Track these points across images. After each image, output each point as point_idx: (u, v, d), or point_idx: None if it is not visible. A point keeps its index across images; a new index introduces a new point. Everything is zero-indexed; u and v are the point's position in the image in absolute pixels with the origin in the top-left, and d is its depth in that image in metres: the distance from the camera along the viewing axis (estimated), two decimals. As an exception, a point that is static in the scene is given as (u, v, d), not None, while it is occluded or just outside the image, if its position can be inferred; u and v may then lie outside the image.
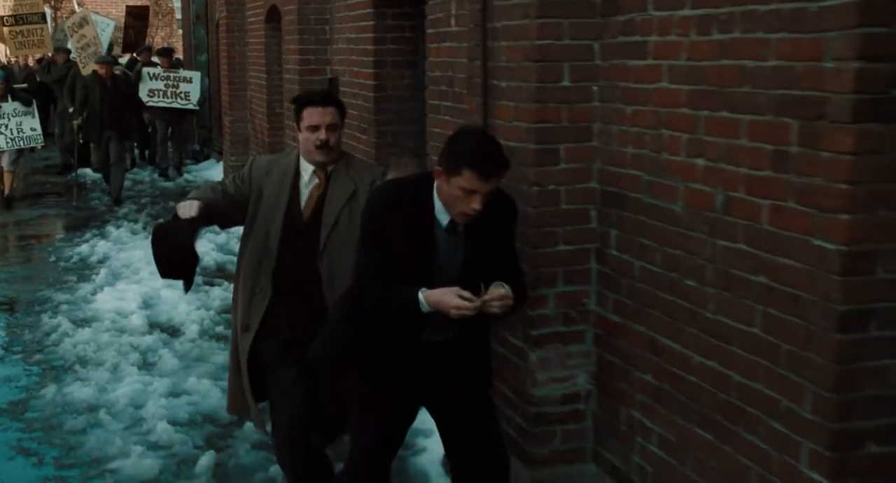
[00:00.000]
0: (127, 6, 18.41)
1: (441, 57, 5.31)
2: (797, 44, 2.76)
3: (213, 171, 14.75)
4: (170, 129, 14.83)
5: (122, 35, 17.49)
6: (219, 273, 8.91)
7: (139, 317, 7.34)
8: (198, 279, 8.56)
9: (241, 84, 12.49)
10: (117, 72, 13.37)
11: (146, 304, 7.72)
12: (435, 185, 3.26)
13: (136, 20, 17.66)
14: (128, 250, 9.64)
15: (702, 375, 3.31)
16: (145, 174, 15.17)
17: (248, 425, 5.30)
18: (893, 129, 2.59)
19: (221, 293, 8.05)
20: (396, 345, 3.38)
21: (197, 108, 14.76)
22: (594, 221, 3.97)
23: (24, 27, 14.66)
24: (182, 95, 14.20)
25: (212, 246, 9.86)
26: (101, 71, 12.67)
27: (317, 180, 3.87)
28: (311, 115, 3.79)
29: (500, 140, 4.12)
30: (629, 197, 3.71)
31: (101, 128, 12.58)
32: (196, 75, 14.51)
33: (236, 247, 10.05)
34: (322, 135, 3.76)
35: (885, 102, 2.57)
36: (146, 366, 6.39)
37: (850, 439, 2.70)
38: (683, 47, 3.31)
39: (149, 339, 6.84)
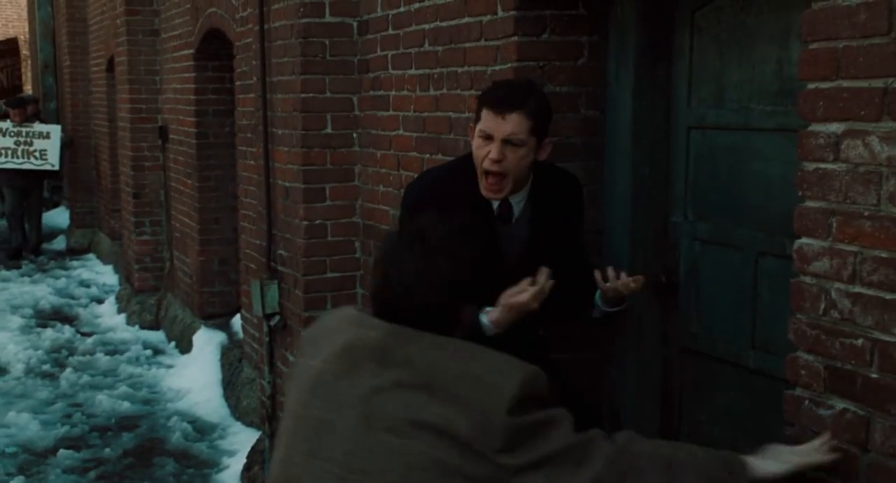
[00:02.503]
0: None
1: (246, 107, 5.81)
2: (481, 99, 3.39)
3: (62, 219, 14.79)
4: (20, 199, 11.99)
5: None
6: (54, 315, 9.10)
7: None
8: (30, 322, 8.79)
9: (86, 132, 12.69)
10: None
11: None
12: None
13: (4, 58, 14.64)
14: (-37, 296, 9.73)
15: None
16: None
17: (62, 453, 5.63)
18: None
19: (53, 334, 8.27)
20: None
21: (57, 169, 12.02)
22: (358, 251, 4.52)
23: None
24: (37, 154, 11.61)
25: (49, 290, 10.04)
26: None
27: None
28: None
29: (277, 180, 4.67)
30: (381, 229, 4.29)
31: None
32: (55, 130, 11.91)
33: (76, 291, 10.40)
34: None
35: (540, 146, 3.21)
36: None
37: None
38: (411, 101, 3.92)
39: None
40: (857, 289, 1.98)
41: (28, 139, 11.60)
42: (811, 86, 2.06)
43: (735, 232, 2.89)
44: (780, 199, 2.66)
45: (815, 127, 2.06)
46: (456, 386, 1.82)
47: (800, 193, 2.10)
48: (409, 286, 1.92)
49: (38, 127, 11.78)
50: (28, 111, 11.94)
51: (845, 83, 1.97)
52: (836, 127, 2.00)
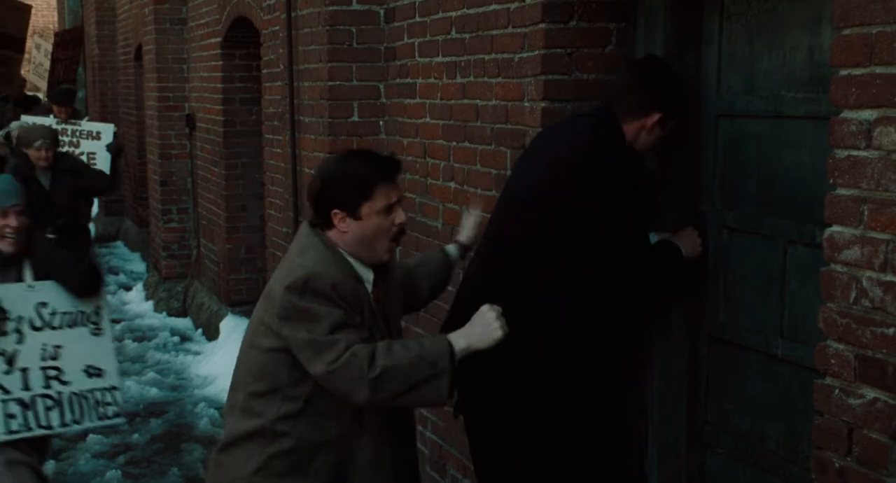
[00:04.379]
0: (56, 33, 12.80)
1: (273, 95, 5.84)
2: (508, 87, 3.39)
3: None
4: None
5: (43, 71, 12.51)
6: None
7: None
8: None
9: (114, 120, 12.74)
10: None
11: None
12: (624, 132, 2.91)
13: (68, 50, 12.16)
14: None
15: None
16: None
17: (91, 438, 5.69)
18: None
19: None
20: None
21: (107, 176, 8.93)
22: (384, 239, 4.53)
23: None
24: (83, 158, 8.70)
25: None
26: (40, 155, 6.47)
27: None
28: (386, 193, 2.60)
29: (304, 168, 4.69)
30: (407, 216, 4.28)
31: None
32: (107, 129, 9.16)
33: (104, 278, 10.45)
34: (400, 217, 2.65)
35: (567, 134, 3.20)
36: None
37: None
38: (438, 88, 3.91)
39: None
40: (889, 277, 1.96)
41: (75, 139, 8.98)
42: (843, 72, 2.03)
43: (764, 220, 2.86)
44: (810, 187, 2.63)
45: (847, 114, 2.03)
46: (284, 269, 2.55)
47: (831, 181, 2.08)
48: (308, 189, 2.66)
49: (87, 125, 9.19)
50: (74, 104, 9.58)
51: (878, 69, 1.95)
52: (868, 114, 1.98)
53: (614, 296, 2.79)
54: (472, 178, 3.68)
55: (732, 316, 3.01)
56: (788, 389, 2.81)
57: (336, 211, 2.54)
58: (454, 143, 3.81)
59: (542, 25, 3.14)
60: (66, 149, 8.53)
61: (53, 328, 3.81)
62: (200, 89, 8.25)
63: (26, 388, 3.70)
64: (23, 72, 11.41)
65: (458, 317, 2.75)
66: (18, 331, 3.71)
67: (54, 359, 3.79)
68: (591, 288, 2.76)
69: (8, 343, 3.68)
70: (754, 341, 2.93)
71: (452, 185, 3.84)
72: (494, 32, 3.44)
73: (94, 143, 8.88)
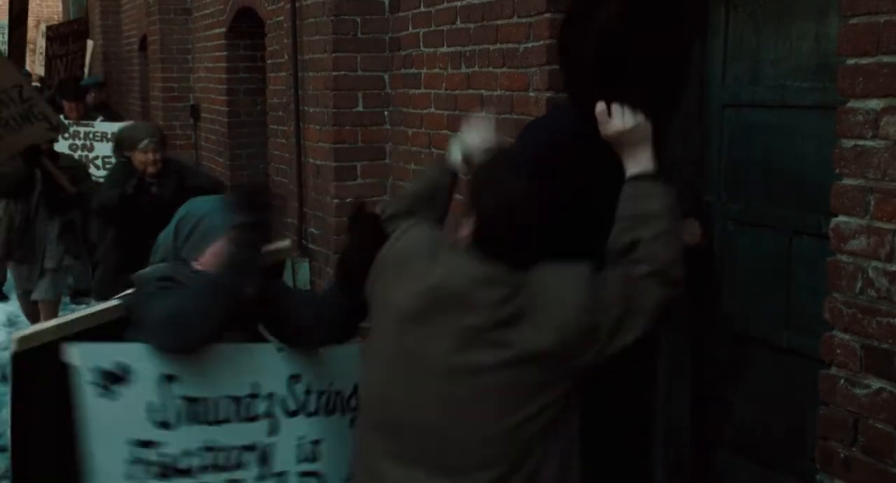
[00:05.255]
0: (47, 27, 11.78)
1: (278, 85, 5.83)
2: (513, 77, 3.38)
3: (95, 197, 14.87)
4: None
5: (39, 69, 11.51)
6: (87, 292, 9.19)
7: (3, 333, 7.62)
8: (64, 299, 8.87)
9: (119, 111, 12.79)
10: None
11: (10, 322, 7.99)
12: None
13: (68, 45, 10.92)
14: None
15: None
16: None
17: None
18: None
19: (87, 311, 8.34)
20: None
21: None
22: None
23: None
24: (98, 162, 7.85)
25: (83, 267, 10.13)
26: (148, 159, 4.81)
27: None
28: None
29: (308, 158, 4.70)
30: (412, 207, 4.29)
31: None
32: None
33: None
34: None
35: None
36: (4, 379, 6.68)
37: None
38: (443, 78, 3.91)
39: (6, 355, 7.14)
40: (895, 267, 1.96)
41: (87, 142, 7.98)
42: (850, 61, 2.03)
43: (769, 211, 2.85)
44: (816, 177, 2.62)
45: (853, 103, 2.03)
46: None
47: (837, 171, 2.08)
48: (521, 208, 1.99)
49: (100, 126, 8.02)
50: (89, 103, 8.59)
51: (885, 58, 1.94)
52: (875, 103, 1.97)
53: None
54: (477, 168, 3.67)
55: (738, 307, 3.01)
56: (793, 380, 2.80)
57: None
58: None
59: (547, 15, 3.13)
60: (78, 153, 7.71)
61: (310, 414, 2.53)
62: (205, 80, 8.24)
63: None
64: (28, 63, 11.28)
65: None
66: (270, 415, 2.46)
67: (313, 460, 2.51)
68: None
69: (258, 433, 2.43)
70: (759, 332, 2.92)
71: (457, 175, 3.83)
72: (499, 22, 3.43)
73: (108, 145, 7.12)
